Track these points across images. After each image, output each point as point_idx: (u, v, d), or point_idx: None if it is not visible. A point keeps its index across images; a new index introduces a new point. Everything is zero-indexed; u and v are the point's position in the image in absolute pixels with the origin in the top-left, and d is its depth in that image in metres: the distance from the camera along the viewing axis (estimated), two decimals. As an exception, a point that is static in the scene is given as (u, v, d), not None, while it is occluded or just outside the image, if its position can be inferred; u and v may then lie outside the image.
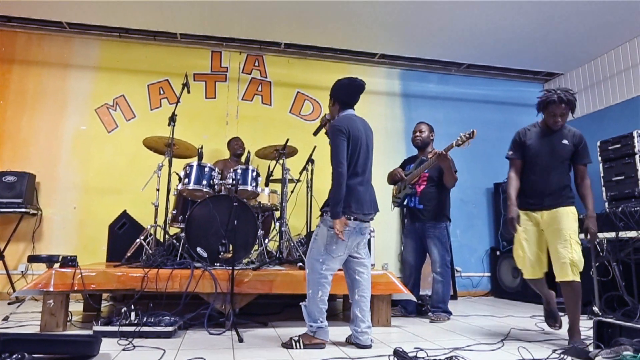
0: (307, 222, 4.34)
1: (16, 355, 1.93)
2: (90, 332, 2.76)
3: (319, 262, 2.63)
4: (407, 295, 3.44)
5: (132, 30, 5.08)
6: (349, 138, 2.65)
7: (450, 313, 3.74)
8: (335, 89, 2.87)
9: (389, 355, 2.07)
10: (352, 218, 2.63)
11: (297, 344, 2.54)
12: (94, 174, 4.92)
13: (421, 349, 2.30)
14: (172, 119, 3.71)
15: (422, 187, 3.79)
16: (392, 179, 3.97)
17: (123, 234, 4.15)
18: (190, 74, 5.26)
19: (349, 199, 2.61)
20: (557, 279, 2.77)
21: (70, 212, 4.81)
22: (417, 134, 3.94)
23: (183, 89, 3.79)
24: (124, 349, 2.47)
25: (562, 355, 2.27)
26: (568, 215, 2.78)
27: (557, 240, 2.76)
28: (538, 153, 2.90)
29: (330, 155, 2.65)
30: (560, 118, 2.78)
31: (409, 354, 2.04)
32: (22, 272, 4.60)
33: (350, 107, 2.85)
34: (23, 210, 4.38)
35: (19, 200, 4.38)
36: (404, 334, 3.11)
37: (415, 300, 3.61)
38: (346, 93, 2.84)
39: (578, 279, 2.70)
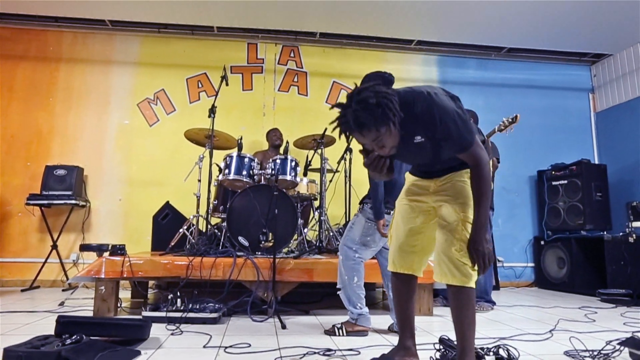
0: (345, 211, 4.34)
1: (75, 336, 2.02)
2: (139, 317, 2.87)
3: (352, 250, 2.63)
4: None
5: (170, 25, 5.19)
6: None
7: (493, 303, 3.66)
8: (363, 84, 2.85)
9: (434, 344, 2.04)
10: (389, 212, 2.61)
11: (340, 331, 2.55)
12: (136, 167, 5.08)
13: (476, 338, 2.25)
14: (212, 111, 3.77)
15: (464, 174, 3.69)
16: None
17: (166, 224, 4.27)
18: (227, 67, 5.35)
19: (391, 192, 2.59)
20: None
21: (116, 203, 4.99)
22: None
23: (222, 81, 3.84)
24: (172, 334, 2.55)
25: (618, 347, 2.17)
26: None
27: None
28: None
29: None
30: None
31: (455, 342, 2.00)
32: (73, 260, 4.82)
33: None
34: (73, 202, 4.58)
35: (69, 193, 4.58)
36: (447, 323, 3.07)
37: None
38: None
39: None
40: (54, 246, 4.64)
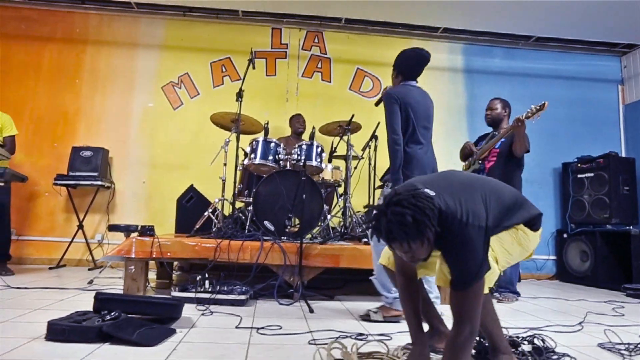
0: (369, 198, 4.33)
1: (114, 313, 2.05)
2: (169, 297, 2.92)
3: None
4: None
5: (195, 8, 5.19)
6: (403, 105, 2.64)
7: (518, 294, 3.64)
8: (399, 59, 2.86)
9: (470, 330, 2.03)
10: None
11: (376, 315, 2.56)
12: (160, 150, 5.12)
13: (509, 327, 2.24)
14: (240, 95, 3.76)
15: (491, 163, 3.66)
16: (463, 152, 3.86)
17: (190, 207, 4.30)
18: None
19: (411, 166, 2.58)
20: None
21: (140, 186, 5.05)
22: (488, 111, 3.82)
23: (249, 64, 3.82)
24: (202, 314, 2.59)
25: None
26: None
27: None
28: None
29: (385, 123, 2.68)
30: None
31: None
32: (98, 241, 4.91)
33: (413, 79, 2.82)
34: (99, 183, 4.64)
35: (95, 174, 4.64)
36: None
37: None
38: (409, 64, 2.83)
39: None
40: (80, 226, 4.72)
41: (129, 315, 2.15)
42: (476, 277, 1.45)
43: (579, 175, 5.23)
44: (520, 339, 1.97)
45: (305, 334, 2.23)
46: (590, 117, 5.72)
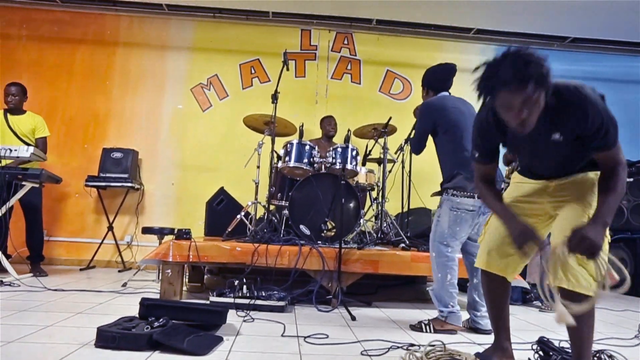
0: (402, 202, 4.23)
1: (162, 319, 2.01)
2: (207, 302, 2.87)
3: (444, 244, 2.53)
4: (517, 280, 3.25)
5: (225, 10, 5.16)
6: (444, 114, 2.62)
7: (561, 303, 3.50)
8: (426, 77, 2.88)
9: (533, 344, 1.94)
10: (475, 196, 2.50)
11: (428, 327, 2.47)
12: (189, 152, 5.10)
13: (563, 340, 2.14)
14: (275, 97, 3.71)
15: (538, 168, 3.54)
16: (506, 157, 3.75)
17: (221, 210, 4.26)
18: (279, 53, 5.29)
19: (470, 166, 2.49)
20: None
21: (169, 188, 5.04)
22: None
23: (283, 66, 3.76)
24: (244, 321, 2.53)
25: None
26: None
27: None
28: None
29: (416, 134, 2.77)
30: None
31: (553, 344, 1.90)
32: (127, 242, 4.90)
33: (445, 91, 2.78)
34: (129, 185, 4.63)
35: (126, 176, 4.63)
36: (519, 322, 2.95)
37: (527, 286, 3.40)
38: (436, 78, 2.84)
39: None
40: (110, 227, 4.72)
41: (174, 321, 2.10)
42: (617, 133, 1.50)
43: (617, 180, 5.06)
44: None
45: (354, 344, 2.16)
46: (630, 120, 5.54)
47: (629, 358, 2.11)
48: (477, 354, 1.85)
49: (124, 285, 3.53)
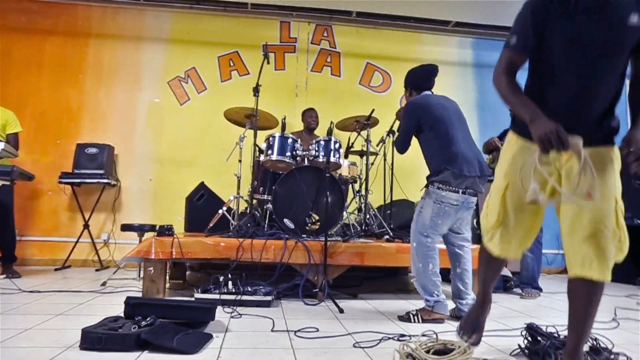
0: (384, 195, 4.25)
1: (149, 318, 1.95)
2: (191, 299, 2.82)
3: (424, 235, 2.55)
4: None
5: (203, 1, 5.05)
6: (429, 111, 2.64)
7: (540, 289, 3.60)
8: (408, 78, 2.93)
9: (522, 331, 1.97)
10: (460, 191, 2.53)
11: (416, 318, 2.48)
12: (167, 147, 4.99)
13: (549, 325, 2.19)
14: (257, 90, 3.65)
15: (518, 159, 3.61)
16: (487, 148, 3.80)
17: (201, 205, 4.18)
18: (259, 46, 5.21)
19: (457, 163, 2.52)
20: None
21: (147, 183, 4.91)
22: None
23: (264, 59, 3.71)
24: (232, 317, 2.49)
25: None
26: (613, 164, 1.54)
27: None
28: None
29: (401, 132, 2.77)
30: None
31: (541, 330, 1.93)
32: (104, 240, 4.76)
33: (427, 90, 2.81)
34: (105, 181, 4.50)
35: (101, 172, 4.49)
36: (504, 310, 3.01)
37: (510, 275, 3.47)
38: (418, 78, 2.92)
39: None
40: (86, 225, 4.58)
41: (161, 320, 2.05)
42: None
43: (590, 170, 5.21)
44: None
45: (345, 337, 2.15)
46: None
47: (608, 340, 2.18)
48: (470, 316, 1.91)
49: (104, 284, 3.43)
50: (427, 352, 1.67)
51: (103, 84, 4.96)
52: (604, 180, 1.48)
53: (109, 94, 4.95)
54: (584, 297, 1.50)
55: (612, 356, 1.84)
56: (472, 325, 1.85)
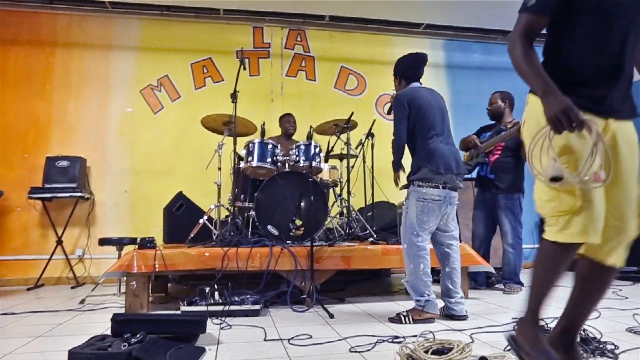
0: (364, 197, 4.27)
1: (139, 335, 1.89)
2: (177, 312, 2.76)
3: (414, 234, 2.58)
4: (484, 266, 3.38)
5: (173, 7, 4.95)
6: (414, 106, 2.66)
7: (522, 284, 3.68)
8: (397, 66, 2.92)
9: (514, 326, 2.00)
10: (440, 186, 2.58)
11: (406, 319, 2.50)
12: (142, 157, 4.86)
13: (541, 319, 2.24)
14: (234, 96, 3.61)
15: (496, 156, 3.69)
16: (465, 145, 3.87)
17: (181, 215, 4.09)
18: (232, 52, 5.18)
19: (434, 160, 2.58)
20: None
21: (122, 195, 4.77)
22: (489, 106, 3.88)
23: (241, 65, 3.67)
24: (221, 328, 2.44)
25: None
26: None
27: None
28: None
29: (395, 137, 2.74)
30: None
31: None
32: (79, 256, 4.59)
33: (416, 81, 2.85)
34: (79, 194, 4.34)
35: (74, 185, 4.34)
36: (489, 306, 3.06)
37: (494, 272, 3.54)
38: (408, 67, 2.91)
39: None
40: (59, 241, 4.41)
41: (151, 335, 1.99)
42: None
43: (561, 165, 5.39)
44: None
45: (340, 342, 2.14)
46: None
47: (594, 330, 2.25)
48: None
49: (82, 302, 3.31)
50: (426, 352, 1.68)
51: (72, 95, 4.79)
52: (630, 158, 1.42)
53: (79, 105, 4.79)
54: (605, 281, 1.53)
55: (601, 345, 1.89)
56: (546, 355, 1.46)
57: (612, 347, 1.91)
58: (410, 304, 3.00)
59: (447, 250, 2.72)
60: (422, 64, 2.87)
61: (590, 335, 1.95)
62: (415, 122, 2.65)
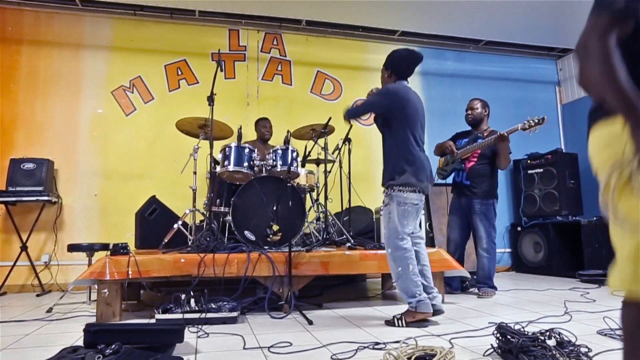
0: (341, 202, 4.28)
1: (114, 345, 1.82)
2: (151, 320, 2.68)
3: (399, 238, 2.61)
4: (460, 271, 3.43)
5: (147, 7, 4.84)
6: (405, 103, 2.68)
7: (495, 288, 3.76)
8: (394, 60, 2.86)
9: (494, 331, 2.03)
10: (417, 191, 2.63)
11: (400, 322, 2.53)
12: (113, 160, 4.72)
13: (518, 323, 2.29)
14: (211, 99, 3.55)
15: (472, 163, 3.77)
16: (441, 150, 3.92)
17: (154, 220, 3.99)
18: (207, 54, 5.11)
19: (415, 167, 2.64)
20: None
21: (92, 199, 4.61)
22: (469, 111, 3.92)
23: (218, 67, 3.61)
24: (198, 337, 2.39)
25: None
26: None
27: None
28: None
29: (365, 103, 2.82)
30: None
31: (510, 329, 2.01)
32: (45, 262, 4.40)
33: (405, 79, 2.85)
34: (45, 198, 4.16)
35: (40, 189, 4.16)
36: (465, 310, 3.11)
37: (468, 276, 3.60)
38: (405, 65, 2.88)
39: None
40: (24, 247, 4.22)
41: (127, 346, 1.92)
42: None
43: (530, 171, 5.56)
44: (543, 334, 1.99)
45: (320, 349, 2.13)
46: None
47: (568, 334, 2.31)
48: None
49: (49, 310, 3.17)
50: (409, 358, 1.68)
51: (39, 94, 4.60)
52: None
53: (47, 105, 4.60)
54: None
55: (575, 348, 1.95)
56: None
57: (586, 349, 1.96)
58: (388, 309, 3.04)
59: (416, 249, 2.75)
60: (417, 63, 2.87)
61: (565, 338, 2.00)
62: (399, 123, 2.67)
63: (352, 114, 2.85)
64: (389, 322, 2.60)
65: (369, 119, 2.86)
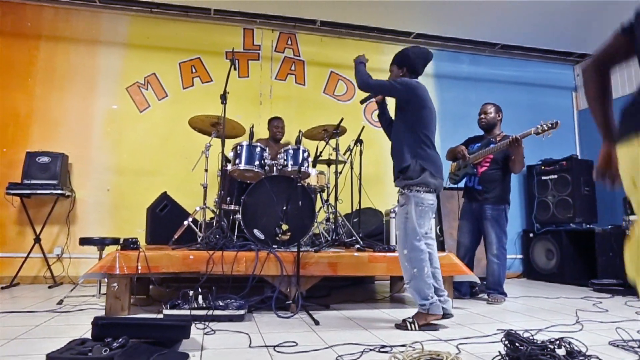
0: (351, 203, 4.27)
1: (121, 339, 1.84)
2: (159, 315, 2.70)
3: (417, 239, 2.58)
4: (470, 276, 3.39)
5: (163, 5, 4.88)
6: (424, 102, 2.67)
7: (505, 295, 3.71)
8: (410, 55, 2.82)
9: (502, 339, 2.01)
10: (432, 191, 2.62)
11: (412, 325, 2.52)
12: (126, 156, 4.77)
13: (527, 330, 2.25)
14: (224, 97, 3.56)
15: (484, 168, 3.72)
16: (453, 155, 3.89)
17: (165, 216, 4.03)
18: (222, 52, 5.15)
19: (435, 166, 2.65)
20: None
21: (104, 194, 4.67)
22: (482, 115, 3.88)
23: (231, 66, 3.63)
24: (205, 334, 2.40)
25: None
26: None
27: None
28: None
29: (383, 82, 2.75)
30: None
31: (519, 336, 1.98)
32: (57, 255, 4.47)
33: (417, 76, 2.83)
34: (59, 192, 4.22)
35: (55, 182, 4.22)
36: (474, 316, 3.07)
37: (478, 281, 3.56)
38: (420, 62, 2.85)
39: None
40: (37, 239, 4.28)
41: (134, 340, 1.93)
42: None
43: (543, 177, 5.48)
44: (553, 344, 1.96)
45: (326, 350, 2.12)
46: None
47: (578, 343, 2.27)
48: None
49: (60, 302, 3.21)
50: (415, 363, 1.67)
51: (55, 89, 4.67)
52: None
53: (62, 100, 4.67)
54: None
55: (586, 359, 1.91)
56: None
57: (596, 360, 1.92)
58: (395, 312, 3.02)
59: (429, 250, 2.73)
60: (429, 61, 2.89)
61: (576, 348, 1.96)
62: (419, 124, 2.66)
63: (365, 86, 2.80)
64: (400, 326, 2.57)
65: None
